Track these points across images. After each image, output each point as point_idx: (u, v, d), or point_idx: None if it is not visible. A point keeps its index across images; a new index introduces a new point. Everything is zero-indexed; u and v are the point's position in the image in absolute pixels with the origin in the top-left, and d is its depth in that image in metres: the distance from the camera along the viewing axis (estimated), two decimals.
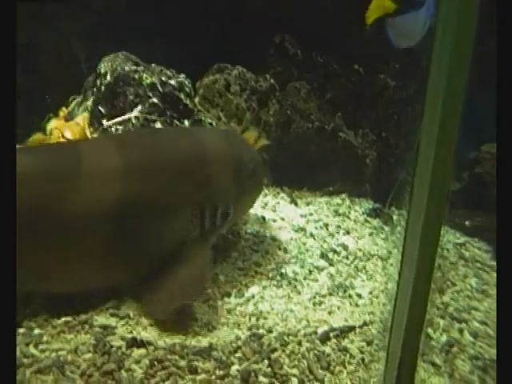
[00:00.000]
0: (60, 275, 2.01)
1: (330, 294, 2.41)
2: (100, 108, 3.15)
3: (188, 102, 3.22)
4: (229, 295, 2.30)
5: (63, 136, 2.88)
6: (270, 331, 2.03)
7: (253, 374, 1.74)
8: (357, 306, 2.33)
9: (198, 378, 1.71)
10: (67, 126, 2.94)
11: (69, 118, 3.25)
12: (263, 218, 3.20)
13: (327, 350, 1.93)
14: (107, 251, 2.02)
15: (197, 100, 3.51)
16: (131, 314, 2.03)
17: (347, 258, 2.82)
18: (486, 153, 3.70)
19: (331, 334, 2.03)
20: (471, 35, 1.06)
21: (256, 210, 3.26)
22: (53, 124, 3.02)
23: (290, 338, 1.97)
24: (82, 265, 2.00)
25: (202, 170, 2.27)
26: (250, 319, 2.15)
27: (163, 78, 3.21)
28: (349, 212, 3.56)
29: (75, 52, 3.94)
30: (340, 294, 2.42)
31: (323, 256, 2.78)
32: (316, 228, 3.16)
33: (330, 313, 2.24)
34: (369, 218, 3.51)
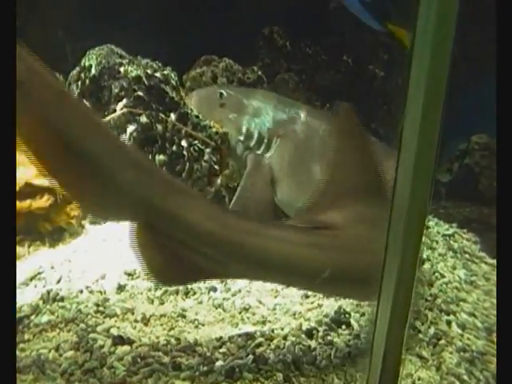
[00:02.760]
0: None
1: None
2: (85, 101, 3.11)
3: (174, 94, 3.17)
4: (214, 290, 2.27)
5: None
6: (255, 326, 2.00)
7: (237, 369, 1.72)
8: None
9: (182, 374, 1.69)
10: None
11: None
12: None
13: (313, 344, 1.91)
14: None
15: (183, 93, 3.46)
16: None
17: None
18: (476, 143, 3.69)
19: (318, 328, 2.01)
20: (452, 25, 1.04)
21: None
22: None
23: (276, 332, 1.94)
24: None
25: None
26: (237, 314, 2.13)
27: (149, 71, 3.16)
28: None
29: (62, 44, 3.90)
30: None
31: None
32: None
33: (318, 306, 2.21)
34: None
